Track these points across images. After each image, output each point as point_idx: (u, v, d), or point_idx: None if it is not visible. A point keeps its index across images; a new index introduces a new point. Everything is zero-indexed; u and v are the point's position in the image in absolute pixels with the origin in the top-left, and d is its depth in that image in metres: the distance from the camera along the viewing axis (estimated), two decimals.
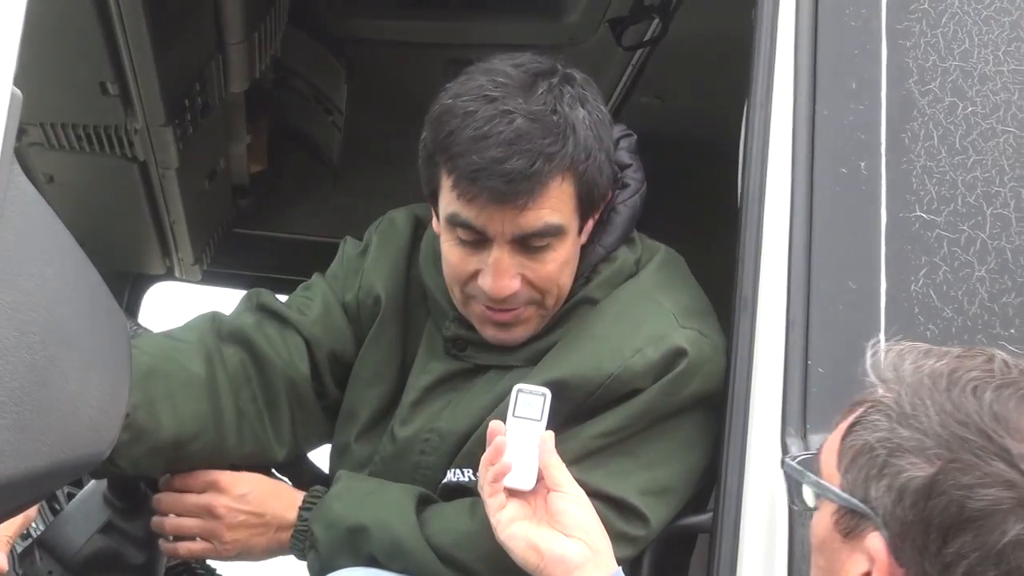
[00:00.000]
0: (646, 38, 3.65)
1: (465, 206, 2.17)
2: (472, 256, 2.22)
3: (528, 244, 2.20)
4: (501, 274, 2.20)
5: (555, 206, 2.18)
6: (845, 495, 1.51)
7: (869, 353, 1.60)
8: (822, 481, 1.56)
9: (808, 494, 1.65)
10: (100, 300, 1.75)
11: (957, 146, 2.20)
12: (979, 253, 2.16)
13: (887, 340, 2.10)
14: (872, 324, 2.13)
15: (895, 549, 1.45)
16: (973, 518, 1.40)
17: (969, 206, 2.18)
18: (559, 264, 2.23)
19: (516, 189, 2.13)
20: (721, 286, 2.30)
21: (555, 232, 2.20)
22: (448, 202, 2.20)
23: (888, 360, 1.56)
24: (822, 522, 1.57)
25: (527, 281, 2.22)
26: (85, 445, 1.68)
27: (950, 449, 1.43)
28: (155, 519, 2.36)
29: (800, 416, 2.09)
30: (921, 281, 2.15)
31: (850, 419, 1.56)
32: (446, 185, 2.19)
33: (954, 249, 2.16)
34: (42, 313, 1.51)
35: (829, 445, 1.59)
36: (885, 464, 1.47)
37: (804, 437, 2.07)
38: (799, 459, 1.70)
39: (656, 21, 3.55)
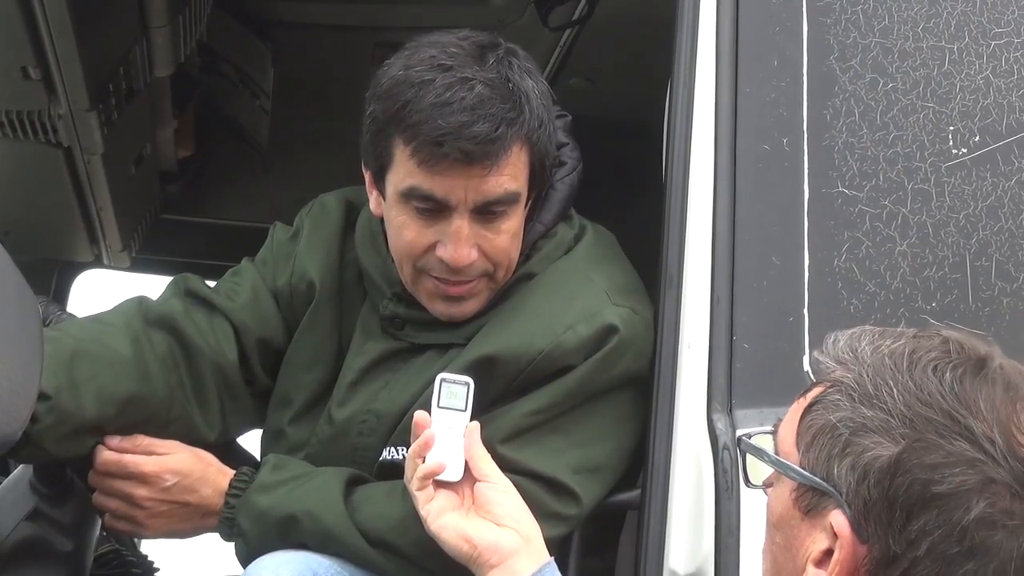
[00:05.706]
0: (573, 18, 3.66)
1: (426, 175, 2.15)
2: (429, 228, 2.21)
3: (486, 212, 2.19)
4: (461, 243, 2.19)
5: (513, 173, 2.19)
6: (807, 473, 1.52)
7: (824, 341, 1.62)
8: (783, 460, 1.57)
9: (758, 471, 1.66)
10: (9, 281, 1.73)
11: (878, 122, 2.23)
12: (900, 228, 2.19)
13: (810, 315, 2.13)
14: (796, 299, 2.15)
15: (858, 527, 1.47)
16: (938, 496, 1.42)
17: (890, 181, 2.20)
18: (511, 235, 2.24)
19: (484, 151, 2.13)
20: (647, 264, 2.31)
21: (513, 200, 2.20)
22: (406, 173, 2.18)
23: (844, 342, 1.58)
24: (780, 500, 1.58)
25: (482, 252, 2.22)
26: None
27: (914, 429, 1.45)
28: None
29: (726, 392, 2.11)
30: (844, 256, 2.17)
31: (808, 398, 1.57)
32: (402, 156, 2.17)
33: (876, 224, 2.18)
34: None
35: (786, 424, 1.60)
36: (848, 443, 1.48)
37: (730, 412, 2.09)
38: (754, 437, 1.71)
39: (583, 1, 3.56)
